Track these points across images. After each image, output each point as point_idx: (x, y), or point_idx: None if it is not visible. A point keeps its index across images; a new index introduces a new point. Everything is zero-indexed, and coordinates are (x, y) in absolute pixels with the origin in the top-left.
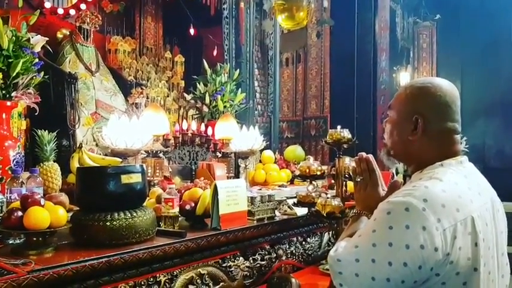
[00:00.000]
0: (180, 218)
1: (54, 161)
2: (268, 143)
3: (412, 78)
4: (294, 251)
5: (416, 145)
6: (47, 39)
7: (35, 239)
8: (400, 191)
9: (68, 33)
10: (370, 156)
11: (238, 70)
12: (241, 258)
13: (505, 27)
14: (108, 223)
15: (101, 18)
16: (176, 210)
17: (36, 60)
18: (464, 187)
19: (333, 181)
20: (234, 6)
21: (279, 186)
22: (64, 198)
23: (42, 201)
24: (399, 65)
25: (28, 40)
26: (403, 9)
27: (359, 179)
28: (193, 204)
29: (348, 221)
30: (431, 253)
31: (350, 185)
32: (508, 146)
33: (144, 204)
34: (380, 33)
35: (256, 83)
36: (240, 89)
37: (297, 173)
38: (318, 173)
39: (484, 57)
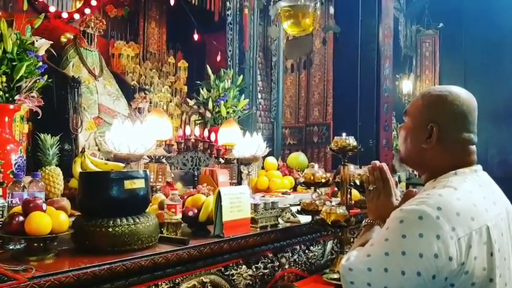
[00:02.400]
0: (182, 225)
1: (56, 165)
2: (270, 149)
3: (414, 86)
4: (297, 260)
5: (430, 153)
6: (51, 42)
7: (36, 244)
8: (414, 200)
9: (72, 37)
10: (384, 165)
11: (241, 76)
12: (244, 266)
13: (509, 35)
14: (110, 229)
15: (105, 23)
16: (179, 216)
17: (40, 63)
18: (479, 196)
19: (336, 189)
20: (238, 12)
21: (282, 193)
22: (66, 203)
23: (44, 206)
24: (402, 73)
25: (32, 43)
26: (406, 18)
27: (372, 188)
28: (196, 211)
29: (359, 230)
30: (445, 262)
31: (354, 193)
32: None
33: (147, 210)
34: (384, 41)
35: (259, 89)
36: (243, 95)
37: (302, 180)
38: (323, 180)
39: (487, 65)
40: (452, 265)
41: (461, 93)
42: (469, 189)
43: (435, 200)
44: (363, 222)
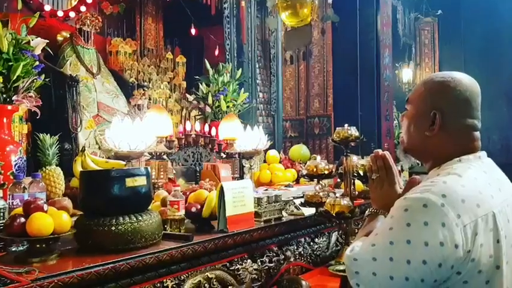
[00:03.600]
0: (185, 221)
1: (56, 165)
2: (272, 142)
3: (414, 74)
4: (302, 252)
5: (434, 141)
6: (47, 41)
7: (38, 246)
8: (418, 188)
9: (68, 35)
10: (386, 153)
11: (240, 69)
12: (249, 260)
13: (507, 20)
14: (113, 228)
15: (101, 20)
16: (182, 213)
17: (37, 63)
18: (484, 182)
19: (338, 180)
20: (234, 5)
21: (285, 186)
22: (67, 203)
23: (45, 206)
24: (401, 61)
25: (28, 43)
26: (404, 6)
27: (375, 177)
28: (199, 207)
29: (363, 220)
30: (451, 250)
31: (357, 183)
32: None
33: (149, 207)
34: (382, 30)
35: (258, 82)
36: (242, 89)
37: (304, 172)
38: (326, 172)
39: (486, 51)
40: (458, 253)
41: (464, 79)
42: (473, 176)
43: (439, 187)
44: (367, 211)
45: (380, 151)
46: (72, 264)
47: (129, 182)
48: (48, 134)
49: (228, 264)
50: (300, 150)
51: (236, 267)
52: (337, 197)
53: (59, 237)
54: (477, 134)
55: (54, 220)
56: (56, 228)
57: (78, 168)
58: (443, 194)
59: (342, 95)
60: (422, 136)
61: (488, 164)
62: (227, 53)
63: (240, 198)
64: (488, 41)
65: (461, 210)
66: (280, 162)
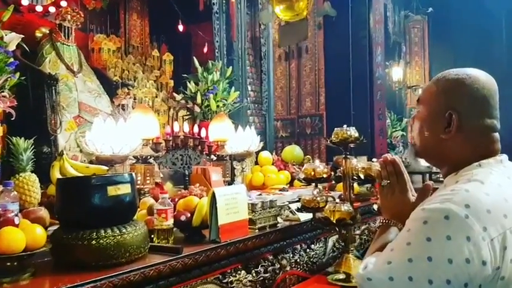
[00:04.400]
0: (174, 229)
1: (32, 171)
2: (263, 143)
3: (404, 73)
4: (298, 260)
5: (450, 144)
6: (22, 36)
7: (9, 264)
8: (436, 197)
9: (48, 31)
10: (397, 158)
11: (230, 67)
12: (243, 271)
13: (497, 18)
14: (93, 242)
15: (83, 16)
16: (170, 222)
17: (11, 59)
18: (509, 189)
19: (333, 182)
20: (224, 1)
21: (280, 190)
22: (44, 212)
23: (17, 219)
24: (391, 60)
25: (1, 38)
26: (394, 3)
27: (385, 184)
28: (189, 215)
29: (373, 232)
30: (478, 268)
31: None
32: (503, 137)
33: (134, 217)
34: (375, 27)
35: (249, 81)
36: (233, 88)
37: (302, 176)
38: (324, 175)
39: (477, 50)
40: (486, 270)
41: (481, 76)
42: (497, 182)
43: (462, 196)
44: (377, 222)
45: (389, 155)
46: (48, 284)
47: (112, 191)
48: (22, 137)
49: (220, 276)
50: (293, 151)
51: (229, 279)
52: (337, 203)
53: (32, 254)
54: (497, 135)
55: (26, 235)
56: (29, 244)
57: (55, 174)
58: (467, 204)
59: (334, 93)
60: (437, 139)
61: (511, 168)
62: (216, 50)
63: (233, 204)
64: (478, 39)
65: (488, 222)
66: (272, 164)
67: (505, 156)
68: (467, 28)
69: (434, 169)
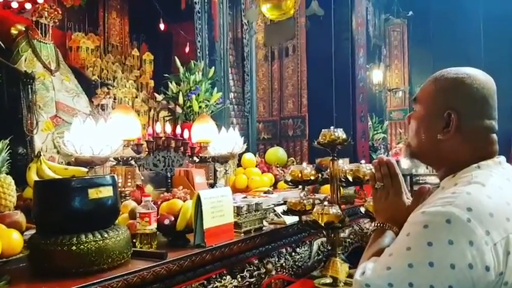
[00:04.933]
0: (157, 233)
1: (7, 173)
2: (246, 145)
3: (384, 76)
4: (283, 264)
5: (448, 145)
6: None
7: None
8: (436, 200)
9: (24, 28)
10: (392, 159)
11: (213, 68)
12: (228, 276)
13: (475, 23)
14: (74, 247)
15: (60, 13)
16: (154, 226)
17: None
18: (509, 192)
19: (317, 185)
20: (206, 0)
21: (264, 192)
22: (20, 217)
23: None
24: (372, 63)
25: None
26: (374, 7)
27: (378, 186)
28: (172, 219)
29: (368, 236)
30: (481, 273)
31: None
32: None
33: (116, 221)
34: (357, 29)
35: (231, 82)
36: (215, 88)
37: (289, 178)
38: (312, 177)
39: (455, 53)
40: (489, 276)
41: (480, 75)
42: (497, 184)
43: (463, 199)
44: (372, 226)
45: (384, 157)
46: None
47: (93, 194)
48: None
49: (205, 282)
50: (276, 153)
51: (215, 285)
52: (325, 206)
53: (8, 261)
54: (495, 136)
55: (1, 240)
56: (4, 250)
57: (32, 176)
58: (469, 207)
59: (317, 95)
60: (434, 140)
61: (510, 171)
62: (198, 50)
63: (218, 208)
64: (457, 43)
65: (490, 226)
66: (256, 166)
67: (503, 158)
68: (446, 32)
69: (419, 171)
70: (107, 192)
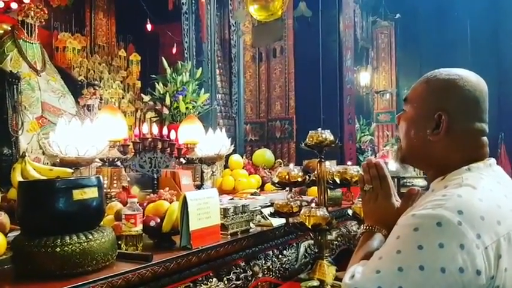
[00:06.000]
0: (143, 235)
1: None
2: (233, 146)
3: (372, 78)
4: (270, 266)
5: (438, 147)
6: None
7: None
8: (426, 202)
9: (9, 28)
10: (381, 161)
11: (200, 69)
12: (214, 279)
13: (462, 25)
14: (58, 249)
15: (46, 12)
16: (139, 228)
17: None
18: (500, 195)
19: (304, 187)
20: (193, 1)
21: (251, 194)
22: (4, 218)
23: None
24: (359, 65)
25: None
26: (361, 9)
27: (367, 188)
28: (158, 220)
29: (356, 239)
30: (472, 277)
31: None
32: None
33: (101, 223)
34: (345, 31)
35: (218, 83)
36: (202, 89)
37: (276, 180)
38: (299, 179)
39: (441, 56)
40: (480, 280)
41: (472, 77)
42: (488, 187)
43: (454, 202)
44: (360, 228)
45: (373, 158)
46: None
47: (77, 195)
48: None
49: (191, 284)
50: (264, 154)
51: (201, 287)
52: (312, 208)
53: None
54: (485, 139)
55: None
56: None
57: (17, 177)
58: (460, 210)
59: (304, 97)
60: (424, 141)
61: (500, 173)
62: (185, 51)
63: (205, 209)
64: (444, 46)
65: (482, 229)
66: (243, 167)
67: (493, 160)
68: (433, 34)
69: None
70: (91, 193)
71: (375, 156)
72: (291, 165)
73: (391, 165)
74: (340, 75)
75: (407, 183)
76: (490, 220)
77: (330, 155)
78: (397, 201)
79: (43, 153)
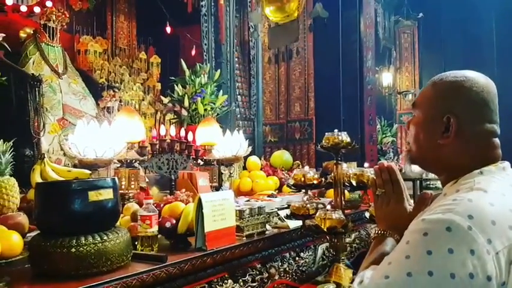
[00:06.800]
0: (159, 236)
1: (11, 175)
2: (251, 148)
3: (394, 79)
4: (287, 269)
5: (448, 150)
6: (3, 35)
7: None
8: (437, 207)
9: (32, 32)
10: (393, 165)
11: (219, 71)
12: (229, 281)
13: (487, 24)
14: (73, 250)
15: (68, 16)
16: (155, 229)
17: None
18: None
19: (323, 188)
20: (212, 3)
21: (268, 196)
22: (23, 218)
23: None
24: (381, 65)
25: None
26: (384, 9)
27: (380, 192)
28: (174, 222)
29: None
30: (483, 283)
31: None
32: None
33: (117, 224)
34: (366, 31)
35: (237, 85)
36: (221, 91)
37: (291, 182)
38: (315, 182)
39: (467, 55)
40: (491, 286)
41: (479, 78)
42: (500, 191)
43: (465, 206)
44: (372, 233)
45: (385, 162)
46: None
47: (93, 196)
48: (1, 140)
49: (206, 286)
50: (282, 156)
51: None
52: (328, 210)
53: (8, 263)
54: (497, 140)
55: (1, 242)
56: (4, 252)
57: (36, 178)
58: (470, 214)
59: (324, 98)
60: (434, 144)
61: None
62: (204, 53)
63: (220, 211)
64: (469, 45)
65: (492, 234)
66: (261, 169)
67: (507, 164)
68: (458, 33)
69: (429, 175)
70: (107, 194)
71: (397, 157)
72: (307, 168)
73: (414, 167)
74: (360, 75)
75: (431, 185)
76: (502, 225)
77: (350, 156)
78: (410, 205)
79: (64, 154)
